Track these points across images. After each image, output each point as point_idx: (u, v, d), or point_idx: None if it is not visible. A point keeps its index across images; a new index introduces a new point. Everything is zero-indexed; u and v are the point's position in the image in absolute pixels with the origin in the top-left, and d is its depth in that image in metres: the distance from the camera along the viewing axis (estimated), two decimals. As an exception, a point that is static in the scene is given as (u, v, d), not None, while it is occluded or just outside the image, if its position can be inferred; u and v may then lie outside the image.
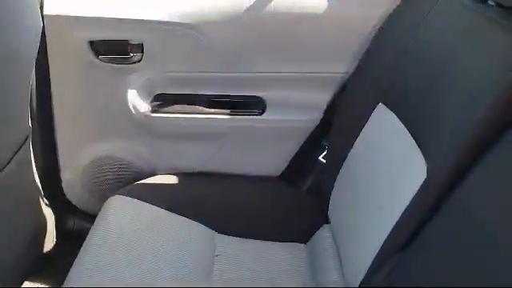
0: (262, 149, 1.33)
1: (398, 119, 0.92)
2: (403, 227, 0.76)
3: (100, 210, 1.18)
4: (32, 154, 1.20)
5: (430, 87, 0.83)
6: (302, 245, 1.19)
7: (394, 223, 0.77)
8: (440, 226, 0.69)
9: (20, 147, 1.08)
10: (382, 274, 0.78)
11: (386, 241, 0.79)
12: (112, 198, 1.19)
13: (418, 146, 0.81)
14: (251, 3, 1.18)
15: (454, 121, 0.72)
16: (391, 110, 0.96)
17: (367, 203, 0.93)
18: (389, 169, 0.88)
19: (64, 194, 1.42)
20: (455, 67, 0.78)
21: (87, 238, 1.09)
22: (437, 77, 0.82)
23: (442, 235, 0.68)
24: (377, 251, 0.80)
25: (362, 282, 0.82)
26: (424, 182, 0.74)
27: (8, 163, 1.02)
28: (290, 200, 1.29)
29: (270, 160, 1.35)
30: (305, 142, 1.32)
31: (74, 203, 1.44)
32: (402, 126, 0.89)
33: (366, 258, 0.83)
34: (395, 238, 0.77)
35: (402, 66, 0.97)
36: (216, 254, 1.12)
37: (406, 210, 0.76)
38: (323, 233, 1.16)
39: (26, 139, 1.11)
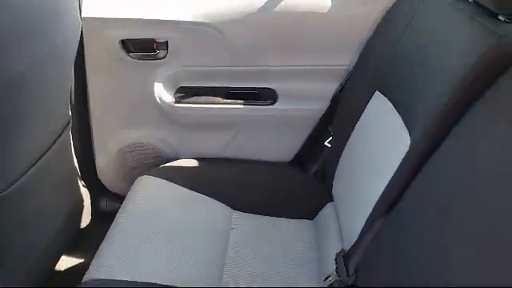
0: (273, 136, 1.46)
1: (390, 104, 1.04)
2: (388, 194, 0.88)
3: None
4: (71, 141, 1.36)
5: (414, 75, 0.95)
6: (310, 221, 1.31)
7: (382, 191, 0.90)
8: (416, 191, 0.81)
9: (61, 134, 1.24)
10: (370, 235, 0.90)
11: (374, 206, 0.91)
12: (140, 178, 1.35)
13: (405, 125, 0.93)
14: (263, 3, 1.32)
15: (430, 101, 0.84)
16: (385, 96, 1.08)
17: (362, 177, 1.06)
18: (380, 146, 1.00)
19: (98, 178, 1.58)
20: (435, 58, 0.90)
21: (118, 212, 1.24)
22: (420, 66, 0.94)
23: (417, 200, 0.80)
24: (367, 216, 0.93)
25: (354, 244, 0.95)
26: (406, 154, 0.86)
27: (50, 147, 1.18)
28: (299, 182, 1.42)
29: (282, 146, 1.49)
30: (313, 130, 1.45)
31: (106, 186, 1.61)
32: (394, 109, 1.01)
33: (358, 223, 0.96)
34: (382, 203, 0.89)
35: (394, 57, 1.09)
36: (232, 227, 1.26)
37: (391, 178, 0.88)
38: (327, 210, 1.28)
39: (66, 126, 1.27)
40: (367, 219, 0.93)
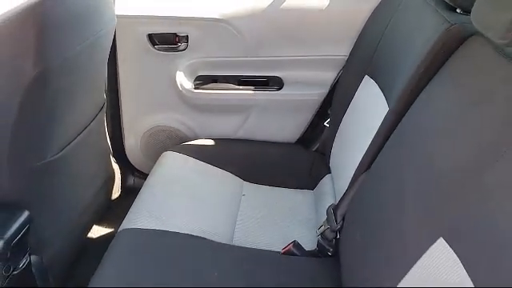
0: (280, 118, 1.66)
1: (376, 85, 1.23)
2: (368, 153, 1.08)
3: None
4: (105, 122, 1.57)
5: (393, 58, 1.14)
6: (310, 191, 1.51)
7: (364, 151, 1.09)
8: (391, 146, 1.00)
9: (97, 114, 1.45)
10: (354, 188, 1.09)
11: (358, 164, 1.11)
12: (165, 153, 1.56)
13: (385, 99, 1.12)
14: (271, 2, 1.52)
15: (402, 77, 1.03)
16: (372, 79, 1.27)
17: (350, 144, 1.25)
18: (366, 117, 1.19)
19: (126, 157, 1.80)
20: (407, 43, 1.09)
21: (146, 181, 1.45)
22: (397, 51, 1.13)
23: (392, 152, 0.99)
24: (353, 173, 1.12)
25: (342, 197, 1.14)
26: (384, 118, 1.06)
27: (89, 124, 1.39)
28: (302, 158, 1.61)
29: (288, 127, 1.68)
30: (315, 112, 1.65)
31: (133, 164, 1.82)
32: (378, 88, 1.20)
33: (346, 180, 1.15)
34: (365, 160, 1.09)
35: (380, 46, 1.28)
36: (243, 193, 1.46)
37: (372, 139, 1.08)
38: (325, 180, 1.48)
39: (102, 107, 1.49)
40: (353, 176, 1.13)
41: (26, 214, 1.07)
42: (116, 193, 1.75)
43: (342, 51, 1.54)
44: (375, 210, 0.96)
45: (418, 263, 0.74)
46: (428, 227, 0.73)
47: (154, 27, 1.56)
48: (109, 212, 1.71)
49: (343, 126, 1.40)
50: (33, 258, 1.16)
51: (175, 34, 1.57)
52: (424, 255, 0.73)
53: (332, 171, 1.45)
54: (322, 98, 1.62)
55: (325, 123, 1.60)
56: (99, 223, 1.75)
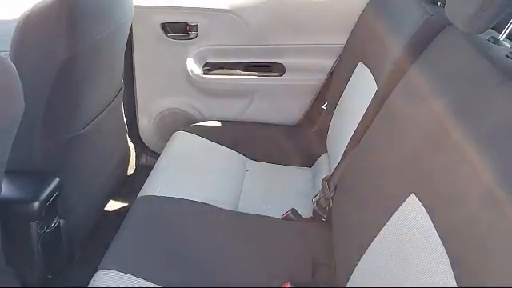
0: (282, 102, 1.81)
1: (367, 68, 1.37)
2: (358, 130, 1.22)
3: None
4: (122, 103, 1.72)
5: (384, 45, 1.28)
6: (309, 168, 1.65)
7: (356, 126, 1.24)
8: (378, 121, 1.14)
9: (116, 95, 1.60)
10: (346, 160, 1.24)
11: (350, 138, 1.25)
12: (176, 133, 1.71)
13: (375, 80, 1.26)
14: (274, -6, 1.66)
15: (388, 60, 1.17)
16: (365, 65, 1.41)
17: (344, 123, 1.40)
18: (358, 98, 1.33)
19: (140, 137, 1.95)
20: (394, 31, 1.23)
21: (159, 157, 1.59)
22: (387, 38, 1.27)
23: (379, 126, 1.13)
24: (344, 149, 1.27)
25: (335, 168, 1.28)
26: (372, 97, 1.20)
27: (109, 105, 1.54)
28: (302, 138, 1.75)
29: (289, 110, 1.83)
30: (314, 97, 1.79)
31: (146, 144, 1.97)
32: (369, 71, 1.34)
33: (339, 155, 1.30)
34: (356, 136, 1.23)
35: (373, 34, 1.42)
36: (247, 169, 1.60)
37: (362, 116, 1.22)
38: (322, 158, 1.62)
39: (120, 90, 1.63)
40: (344, 151, 1.27)
41: (56, 180, 1.22)
42: (131, 169, 1.90)
43: (339, 40, 1.67)
44: (362, 179, 1.10)
45: (394, 216, 0.88)
46: (402, 185, 0.88)
47: (167, 17, 1.70)
48: (124, 188, 1.86)
49: (339, 108, 1.54)
50: (61, 221, 1.31)
51: (186, 24, 1.71)
52: (399, 209, 0.87)
53: (328, 150, 1.59)
54: (320, 83, 1.76)
55: (323, 106, 1.74)
56: (115, 198, 1.90)
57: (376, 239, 0.92)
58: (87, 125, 1.37)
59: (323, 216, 1.31)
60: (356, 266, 0.96)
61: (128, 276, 1.05)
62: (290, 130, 1.82)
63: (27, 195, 1.14)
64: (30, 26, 1.10)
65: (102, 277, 1.06)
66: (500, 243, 0.63)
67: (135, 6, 1.56)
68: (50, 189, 1.19)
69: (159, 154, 1.65)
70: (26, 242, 1.18)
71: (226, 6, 1.67)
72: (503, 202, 0.65)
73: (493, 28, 0.97)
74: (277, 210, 1.38)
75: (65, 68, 1.15)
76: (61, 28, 1.12)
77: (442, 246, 0.72)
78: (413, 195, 0.85)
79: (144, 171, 1.66)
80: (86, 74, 1.26)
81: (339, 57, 1.69)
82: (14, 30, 1.11)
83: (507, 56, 0.84)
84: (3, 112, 0.83)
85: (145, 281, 1.05)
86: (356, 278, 0.96)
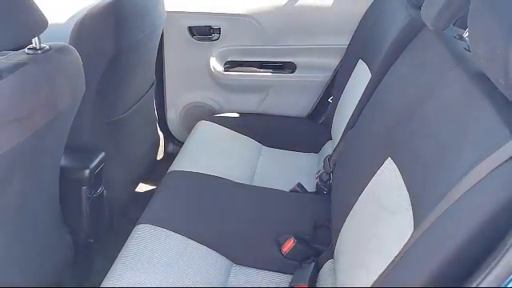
0: (293, 96, 2.04)
1: (365, 63, 1.59)
2: (354, 113, 1.45)
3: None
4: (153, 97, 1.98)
5: (379, 41, 1.50)
6: (315, 154, 1.87)
7: (351, 113, 1.46)
8: (370, 106, 1.36)
9: (149, 89, 1.86)
10: (343, 141, 1.46)
11: (347, 123, 1.48)
12: (199, 122, 1.95)
13: (369, 70, 1.48)
14: (287, 1, 1.90)
15: (379, 53, 1.40)
16: (363, 61, 1.63)
17: (344, 111, 1.62)
18: (357, 89, 1.55)
19: (167, 127, 2.20)
20: (385, 30, 1.46)
21: (186, 141, 1.84)
22: (380, 36, 1.50)
23: (371, 109, 1.35)
24: (342, 128, 1.49)
25: (334, 148, 1.51)
26: (366, 85, 1.42)
27: (143, 96, 1.79)
28: (310, 129, 1.99)
29: (299, 104, 2.06)
30: (321, 92, 2.02)
31: (173, 134, 2.22)
32: (365, 64, 1.56)
33: (339, 137, 1.53)
34: (351, 120, 1.46)
35: (370, 34, 1.64)
36: (260, 154, 1.84)
37: (357, 103, 1.44)
38: (327, 145, 1.84)
39: (152, 85, 1.89)
40: (343, 132, 1.50)
41: (102, 154, 1.47)
42: (160, 155, 2.15)
43: (344, 41, 1.90)
44: (353, 153, 1.33)
45: (373, 178, 1.10)
46: (381, 151, 1.10)
47: (194, 21, 1.96)
48: (152, 174, 2.11)
49: (341, 100, 1.77)
50: (104, 191, 1.57)
51: (210, 27, 1.97)
52: (377, 172, 1.09)
53: (332, 137, 1.82)
54: (327, 80, 1.99)
55: (329, 100, 1.96)
56: (145, 181, 2.15)
57: (358, 200, 1.13)
58: (126, 111, 1.63)
59: (324, 189, 1.53)
60: (343, 224, 1.17)
61: (160, 229, 1.30)
62: (300, 121, 2.06)
63: (80, 164, 1.39)
64: (84, 28, 1.36)
65: (140, 229, 1.30)
66: (449, 187, 0.83)
67: (167, 12, 1.81)
68: (97, 160, 1.44)
69: (183, 143, 1.89)
70: (77, 204, 1.43)
71: (245, 12, 1.92)
72: (453, 160, 0.85)
73: (462, 27, 1.19)
74: (285, 186, 1.61)
75: (111, 62, 1.41)
76: (109, 29, 1.39)
77: (407, 192, 0.94)
78: (389, 159, 1.07)
79: (170, 158, 1.89)
80: (127, 68, 1.52)
81: (343, 56, 1.92)
82: (70, 31, 1.38)
83: (465, 49, 1.06)
84: (73, 91, 1.08)
85: (174, 233, 1.29)
86: (343, 235, 1.17)
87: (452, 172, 0.79)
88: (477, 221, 0.61)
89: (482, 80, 0.86)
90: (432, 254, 0.67)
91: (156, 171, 2.07)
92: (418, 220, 0.83)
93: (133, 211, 1.75)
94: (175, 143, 2.24)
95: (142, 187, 2.15)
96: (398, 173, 1.01)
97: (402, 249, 0.80)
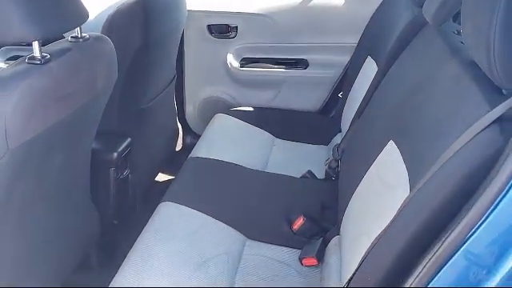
0: (305, 92, 2.15)
1: (373, 60, 1.70)
2: (361, 104, 1.56)
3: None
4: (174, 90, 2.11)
5: (384, 36, 1.61)
6: (325, 146, 1.98)
7: (359, 102, 1.58)
8: (376, 96, 1.47)
9: (171, 82, 1.99)
10: (351, 131, 1.58)
11: (354, 115, 1.59)
12: (216, 115, 2.07)
13: (376, 64, 1.60)
14: (300, 1, 2.02)
15: (386, 47, 1.51)
16: (372, 58, 1.74)
17: (352, 104, 1.73)
18: (364, 83, 1.66)
19: (186, 120, 2.33)
20: (391, 27, 1.57)
21: (204, 132, 1.96)
22: (387, 32, 1.61)
23: (376, 100, 1.46)
24: (350, 120, 1.61)
25: (342, 139, 1.62)
26: (373, 77, 1.53)
27: (165, 88, 1.93)
28: (321, 123, 2.10)
29: (311, 99, 2.17)
30: (332, 88, 2.13)
31: (191, 127, 2.35)
32: (373, 61, 1.67)
33: (347, 125, 1.64)
34: (358, 111, 1.57)
35: (378, 32, 1.76)
36: (274, 145, 1.95)
37: (364, 95, 1.55)
38: (336, 138, 1.94)
39: (173, 78, 2.02)
40: (350, 123, 1.61)
41: (128, 139, 1.60)
42: (178, 146, 2.28)
43: (354, 40, 2.01)
44: (360, 140, 1.44)
45: (376, 160, 1.21)
46: (384, 134, 1.20)
47: (212, 19, 2.09)
48: (172, 163, 2.23)
49: (350, 94, 1.88)
50: (129, 175, 1.70)
51: (227, 25, 2.10)
52: (380, 154, 1.20)
53: (342, 129, 1.93)
54: (338, 76, 2.10)
55: (339, 95, 2.08)
56: (164, 171, 2.27)
57: (362, 180, 1.24)
58: (150, 101, 1.76)
59: (333, 176, 1.64)
60: (349, 203, 1.28)
61: (183, 206, 1.42)
62: (312, 115, 2.17)
63: (109, 147, 1.53)
64: (115, 23, 1.50)
65: (164, 206, 1.43)
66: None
67: (188, 10, 1.95)
68: (124, 145, 1.57)
69: (200, 136, 2.01)
70: (105, 185, 1.56)
71: (260, 11, 2.04)
72: (444, 138, 0.96)
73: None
74: (296, 173, 1.72)
75: (138, 54, 1.55)
76: (137, 24, 1.52)
77: (405, 168, 1.05)
78: (391, 141, 1.17)
79: (188, 150, 2.00)
80: (152, 61, 1.65)
81: (353, 53, 2.03)
82: (100, 25, 1.51)
83: (461, 42, 1.17)
84: (108, 76, 1.22)
85: (195, 210, 1.41)
86: (348, 212, 1.28)
87: (442, 148, 0.90)
88: (456, 180, 0.72)
89: (474, 69, 0.97)
90: (416, 214, 0.79)
91: (174, 162, 2.19)
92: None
93: (153, 198, 1.87)
94: (193, 136, 2.37)
95: (162, 177, 2.27)
96: (398, 152, 1.12)
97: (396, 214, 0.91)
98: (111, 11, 1.48)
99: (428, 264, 0.70)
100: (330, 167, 1.66)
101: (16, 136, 0.90)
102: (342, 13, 2.01)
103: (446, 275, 0.70)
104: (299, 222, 1.40)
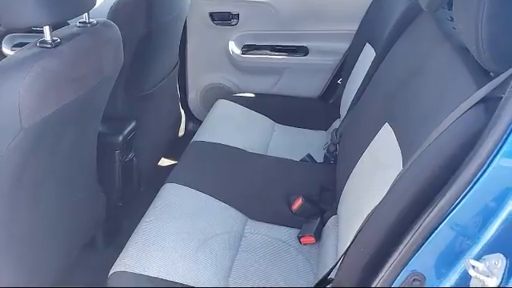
0: (305, 78, 2.20)
1: (371, 46, 1.74)
2: (360, 89, 1.61)
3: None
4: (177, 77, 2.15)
5: (381, 24, 1.65)
6: (324, 131, 2.03)
7: (356, 91, 1.62)
8: (373, 81, 1.51)
9: (173, 68, 2.04)
10: (349, 116, 1.62)
11: (352, 100, 1.64)
12: (218, 100, 2.12)
13: (374, 50, 1.64)
14: (301, -11, 2.06)
15: (383, 34, 1.55)
16: (371, 45, 1.78)
17: (351, 90, 1.78)
18: (363, 69, 1.70)
19: (188, 106, 2.38)
20: (389, 15, 1.61)
21: (207, 115, 2.01)
22: (385, 20, 1.65)
23: (373, 86, 1.50)
24: (347, 107, 1.65)
25: (340, 124, 1.67)
26: (371, 63, 1.58)
27: (168, 75, 1.97)
28: (321, 108, 2.15)
29: (311, 85, 2.22)
30: (332, 74, 2.18)
31: (193, 113, 2.40)
32: (371, 47, 1.72)
33: (346, 110, 1.69)
34: (356, 96, 1.62)
35: (376, 19, 1.80)
36: (274, 130, 2.01)
37: (362, 80, 1.60)
38: (335, 123, 1.99)
39: (176, 65, 2.07)
40: (348, 108, 1.66)
41: (133, 123, 1.65)
42: (181, 132, 2.34)
43: (353, 27, 2.05)
44: (357, 123, 1.49)
45: (372, 142, 1.26)
46: (380, 117, 1.25)
47: (215, 7, 2.13)
48: (174, 148, 2.28)
49: (349, 80, 1.93)
50: (134, 158, 1.75)
51: (229, 13, 2.14)
52: (375, 136, 1.25)
53: (340, 114, 1.98)
54: (337, 63, 2.15)
55: (338, 81, 2.12)
56: (167, 156, 2.32)
57: (358, 162, 1.29)
58: (154, 87, 1.81)
59: (331, 159, 1.69)
60: (345, 184, 1.33)
61: (186, 187, 1.48)
62: (311, 101, 2.22)
63: (114, 130, 1.58)
64: (120, 10, 1.54)
65: (168, 187, 1.48)
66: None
67: (190, -2, 1.99)
68: (129, 128, 1.62)
69: (202, 122, 2.06)
70: (110, 167, 1.62)
71: (262, -1, 2.09)
72: (434, 119, 1.01)
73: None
74: (296, 157, 1.77)
75: (142, 41, 1.59)
76: (141, 11, 1.57)
77: (399, 148, 1.10)
78: (386, 123, 1.22)
79: (190, 135, 2.05)
80: (156, 47, 1.70)
81: (352, 40, 2.07)
82: (107, 13, 1.55)
83: (454, 28, 1.21)
84: (115, 60, 1.26)
85: (197, 191, 1.47)
86: (345, 193, 1.34)
87: (433, 128, 0.95)
88: (443, 155, 0.77)
89: (465, 53, 1.02)
90: (406, 188, 0.84)
91: (177, 147, 2.25)
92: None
93: (156, 181, 1.94)
94: (195, 122, 2.42)
95: (165, 162, 2.33)
96: (393, 134, 1.17)
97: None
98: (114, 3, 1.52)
99: (415, 234, 0.76)
100: (328, 151, 1.71)
101: (29, 115, 0.96)
102: (342, 1, 2.05)
103: (433, 244, 0.76)
104: (298, 203, 1.46)
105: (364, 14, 2.00)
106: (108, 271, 1.23)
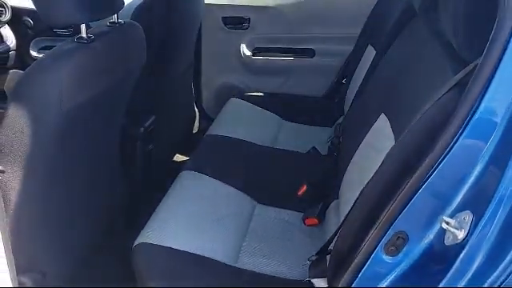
0: (312, 78, 2.34)
1: (372, 47, 1.88)
2: (361, 85, 1.74)
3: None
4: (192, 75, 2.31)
5: (381, 25, 1.79)
6: (329, 128, 2.16)
7: (359, 84, 1.76)
8: (374, 75, 1.65)
9: (188, 67, 2.19)
10: (350, 110, 1.76)
11: (354, 95, 1.77)
12: (231, 99, 2.26)
13: (374, 49, 1.78)
14: (307, -4, 2.22)
15: (383, 32, 1.69)
16: (371, 45, 1.92)
17: (354, 88, 1.91)
18: (364, 69, 1.84)
19: (202, 105, 2.53)
20: (390, 14, 1.75)
21: (220, 111, 2.15)
22: (383, 20, 1.78)
23: (374, 80, 1.64)
24: (352, 98, 1.79)
25: (344, 117, 1.80)
26: (372, 60, 1.71)
27: (184, 74, 2.13)
28: (326, 107, 2.29)
29: (317, 85, 2.36)
30: (337, 75, 2.32)
31: (206, 111, 2.55)
32: (373, 48, 1.85)
33: (349, 103, 1.82)
34: (358, 91, 1.75)
35: (377, 21, 1.93)
36: (282, 126, 2.14)
37: (363, 77, 1.74)
38: (339, 120, 2.13)
39: (191, 64, 2.22)
40: (351, 103, 1.79)
41: (153, 117, 1.80)
42: (195, 129, 2.49)
43: (356, 31, 2.19)
44: (358, 116, 1.62)
45: (369, 133, 1.39)
46: (377, 109, 1.39)
47: (227, 12, 2.30)
48: (188, 145, 2.41)
49: (353, 80, 2.06)
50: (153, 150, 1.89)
51: (241, 17, 2.30)
52: (372, 127, 1.38)
53: (344, 111, 2.11)
54: (341, 64, 2.29)
55: (343, 81, 2.26)
56: (181, 152, 2.46)
57: (357, 151, 1.42)
58: (171, 85, 1.97)
59: (335, 152, 1.82)
60: (345, 173, 1.46)
61: (201, 174, 1.62)
62: (317, 100, 2.36)
63: (136, 123, 1.72)
64: (142, 12, 1.69)
65: (185, 174, 1.63)
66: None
67: (205, 4, 2.14)
68: (150, 121, 1.77)
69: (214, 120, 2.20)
70: (132, 157, 1.76)
71: (271, 4, 2.24)
72: (423, 104, 1.14)
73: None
74: (302, 150, 1.90)
75: (163, 40, 1.75)
76: (162, 15, 1.72)
77: (392, 134, 1.23)
78: (383, 114, 1.36)
79: (204, 132, 2.18)
80: (175, 45, 1.85)
81: (356, 43, 2.21)
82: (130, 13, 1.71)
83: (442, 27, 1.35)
84: (138, 57, 1.41)
85: (211, 178, 1.61)
86: (345, 178, 1.46)
87: (419, 114, 1.08)
88: (422, 133, 0.91)
89: (449, 49, 1.15)
90: (392, 162, 0.97)
91: (191, 143, 2.39)
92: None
93: (173, 172, 2.09)
94: (208, 120, 2.55)
95: (179, 157, 2.47)
96: (388, 122, 1.30)
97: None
98: (139, 1, 1.68)
99: (399, 197, 0.89)
100: (332, 144, 1.85)
101: (68, 100, 1.11)
102: (346, 6, 2.20)
103: (414, 206, 0.88)
104: (303, 189, 1.59)
105: (366, 18, 2.14)
106: (128, 252, 1.33)
